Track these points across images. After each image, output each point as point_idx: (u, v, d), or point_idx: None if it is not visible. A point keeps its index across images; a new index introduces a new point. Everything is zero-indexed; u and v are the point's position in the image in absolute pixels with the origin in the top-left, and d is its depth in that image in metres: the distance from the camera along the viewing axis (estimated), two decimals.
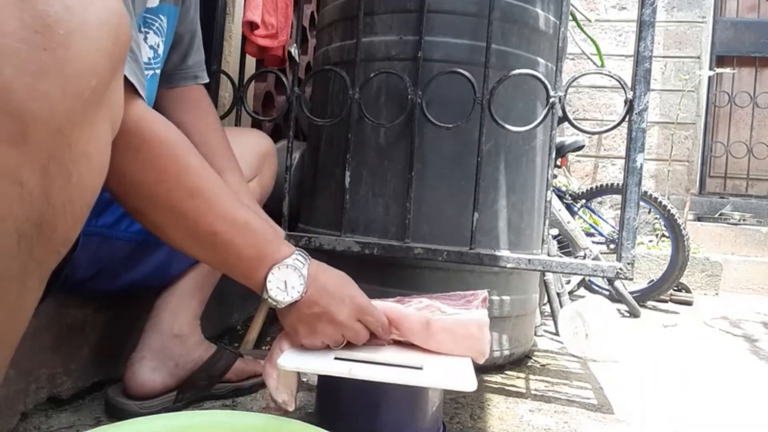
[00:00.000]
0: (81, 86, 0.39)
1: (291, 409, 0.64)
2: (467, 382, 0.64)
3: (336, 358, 0.68)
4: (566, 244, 2.19)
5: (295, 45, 1.38)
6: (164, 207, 0.61)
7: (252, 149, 1.06)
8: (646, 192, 2.50)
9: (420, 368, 0.67)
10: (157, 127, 0.61)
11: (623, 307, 2.32)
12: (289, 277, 0.67)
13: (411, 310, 0.73)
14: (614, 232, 2.64)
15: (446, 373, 0.67)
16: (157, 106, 0.91)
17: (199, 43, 1.00)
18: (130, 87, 0.59)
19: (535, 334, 1.62)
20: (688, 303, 2.74)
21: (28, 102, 0.36)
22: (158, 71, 0.86)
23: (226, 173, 0.89)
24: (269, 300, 0.67)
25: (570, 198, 2.51)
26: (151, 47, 0.83)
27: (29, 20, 0.36)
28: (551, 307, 1.78)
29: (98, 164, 0.44)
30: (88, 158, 0.42)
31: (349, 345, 0.72)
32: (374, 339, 0.73)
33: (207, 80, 1.01)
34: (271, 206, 1.56)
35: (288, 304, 0.67)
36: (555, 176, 2.60)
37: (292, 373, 0.67)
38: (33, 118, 0.36)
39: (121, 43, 0.42)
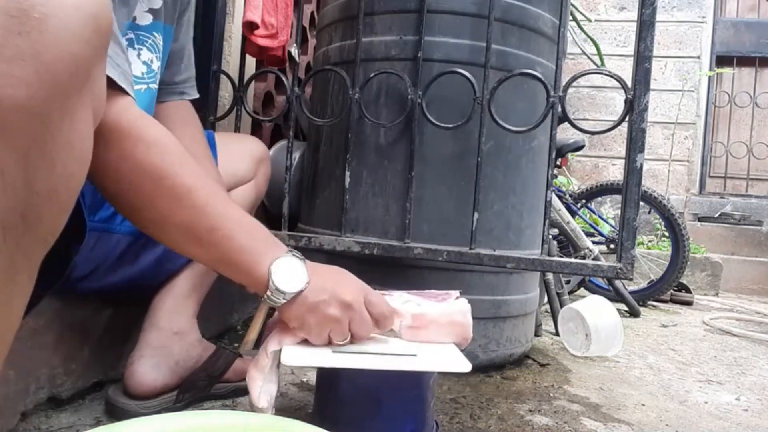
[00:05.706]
0: (59, 73, 0.38)
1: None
2: (462, 364, 0.68)
3: (333, 353, 0.69)
4: (566, 244, 2.19)
5: (295, 45, 1.38)
6: (163, 205, 0.61)
7: (250, 154, 1.09)
8: (646, 192, 2.51)
9: (414, 355, 0.69)
10: (151, 127, 0.61)
11: (623, 307, 2.32)
12: (292, 267, 0.67)
13: (397, 304, 0.75)
14: (614, 232, 2.64)
15: (441, 358, 0.70)
16: None
17: (189, 60, 0.99)
18: (119, 87, 0.59)
19: (535, 334, 1.62)
20: (689, 303, 2.74)
21: (3, 88, 0.35)
22: (153, 86, 0.87)
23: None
24: (272, 294, 0.66)
25: (570, 198, 2.51)
26: (144, 63, 0.84)
27: (4, 4, 0.35)
28: (551, 307, 1.78)
29: (82, 153, 0.44)
30: (71, 147, 0.42)
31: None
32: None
33: (194, 96, 1.00)
34: (271, 206, 1.57)
35: (293, 294, 0.66)
36: (555, 176, 2.60)
37: (273, 380, 0.68)
38: (10, 105, 0.35)
39: (101, 31, 0.41)
